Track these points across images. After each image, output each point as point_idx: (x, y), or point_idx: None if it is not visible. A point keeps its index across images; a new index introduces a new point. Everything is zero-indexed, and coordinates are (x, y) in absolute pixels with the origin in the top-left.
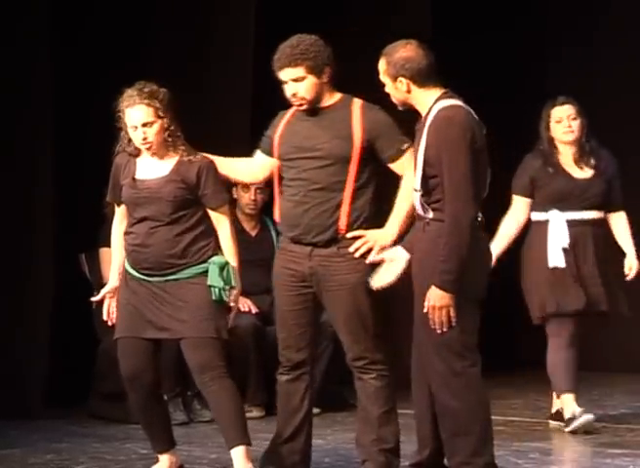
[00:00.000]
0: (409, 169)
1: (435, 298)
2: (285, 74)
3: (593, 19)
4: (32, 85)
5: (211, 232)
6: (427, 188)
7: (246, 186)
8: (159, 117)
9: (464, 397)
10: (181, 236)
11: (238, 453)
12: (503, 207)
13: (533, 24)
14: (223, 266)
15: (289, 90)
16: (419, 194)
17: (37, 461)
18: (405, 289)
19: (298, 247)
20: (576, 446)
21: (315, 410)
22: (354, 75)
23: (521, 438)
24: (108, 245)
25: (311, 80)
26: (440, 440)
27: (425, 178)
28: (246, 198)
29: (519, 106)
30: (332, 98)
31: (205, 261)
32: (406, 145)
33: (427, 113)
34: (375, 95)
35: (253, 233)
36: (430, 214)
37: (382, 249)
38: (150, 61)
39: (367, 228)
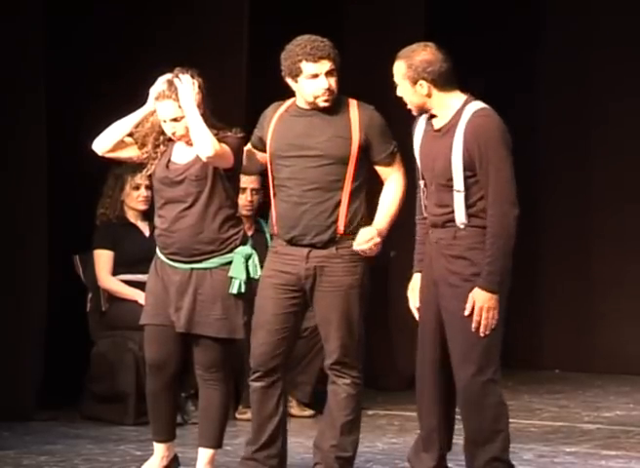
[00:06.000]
0: (397, 171)
1: (483, 300)
2: (322, 66)
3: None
4: (24, 82)
5: (240, 221)
6: (466, 189)
7: (242, 188)
8: None
9: (493, 401)
10: (209, 221)
11: (205, 455)
12: None
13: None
14: (249, 257)
15: (321, 83)
16: (462, 195)
17: (31, 463)
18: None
19: (294, 249)
20: (570, 448)
21: (309, 412)
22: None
23: (515, 440)
24: (103, 247)
25: (336, 76)
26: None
27: (464, 180)
28: (242, 199)
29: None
30: None
31: (232, 251)
32: (394, 148)
33: (456, 116)
34: (369, 92)
35: (248, 234)
36: (465, 220)
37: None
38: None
39: (363, 227)
